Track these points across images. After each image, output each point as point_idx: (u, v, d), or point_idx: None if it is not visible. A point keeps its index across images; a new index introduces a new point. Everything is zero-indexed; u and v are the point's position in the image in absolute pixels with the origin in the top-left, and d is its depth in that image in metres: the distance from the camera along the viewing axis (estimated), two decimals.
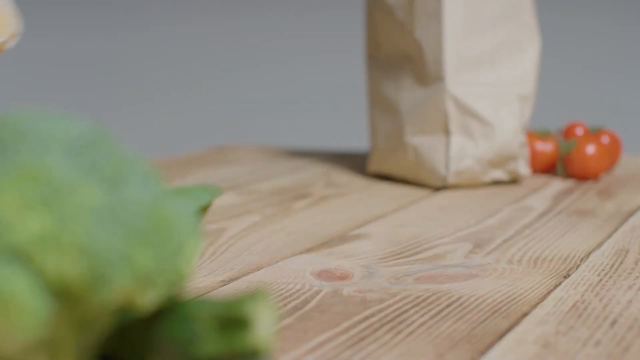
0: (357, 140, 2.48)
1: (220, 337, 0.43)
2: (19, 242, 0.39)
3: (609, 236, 0.88)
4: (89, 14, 2.59)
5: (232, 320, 0.43)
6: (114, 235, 0.41)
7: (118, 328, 0.46)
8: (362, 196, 1.12)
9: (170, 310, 0.45)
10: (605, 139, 1.26)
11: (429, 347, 0.59)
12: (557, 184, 1.17)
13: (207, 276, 0.76)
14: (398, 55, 1.18)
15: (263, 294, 0.43)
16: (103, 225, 0.41)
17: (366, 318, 0.64)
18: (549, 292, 0.70)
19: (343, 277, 0.75)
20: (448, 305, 0.67)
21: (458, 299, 0.69)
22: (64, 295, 0.40)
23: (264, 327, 0.43)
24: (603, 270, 0.76)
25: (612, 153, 1.24)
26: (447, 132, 1.14)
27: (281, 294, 0.70)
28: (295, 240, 0.88)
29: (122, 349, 0.46)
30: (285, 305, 0.68)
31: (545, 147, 1.24)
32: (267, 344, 0.43)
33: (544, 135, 1.24)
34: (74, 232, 0.40)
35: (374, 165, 1.25)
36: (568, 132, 1.31)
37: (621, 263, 0.78)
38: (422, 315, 0.65)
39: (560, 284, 0.73)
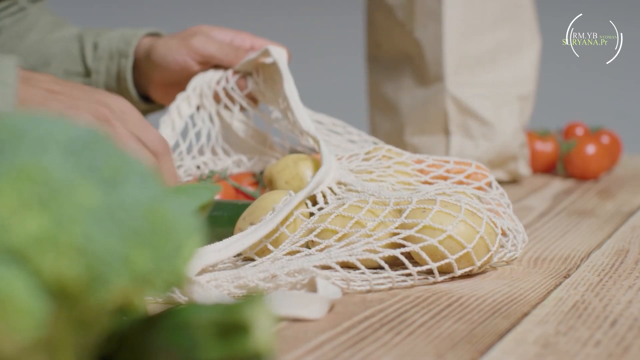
0: None
1: (221, 344, 0.43)
2: (16, 242, 0.39)
3: (609, 236, 0.88)
4: (89, 14, 2.59)
5: (231, 325, 0.43)
6: (112, 235, 0.41)
7: (116, 334, 0.46)
8: None
9: (167, 316, 0.45)
10: (605, 139, 1.26)
11: (429, 347, 0.59)
12: (557, 184, 1.16)
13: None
14: (398, 55, 1.18)
15: (260, 297, 0.43)
16: (101, 226, 0.41)
17: (366, 318, 0.64)
18: (549, 292, 0.70)
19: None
20: (448, 305, 0.67)
21: (458, 299, 0.69)
22: (62, 296, 0.40)
23: (264, 330, 0.43)
24: (603, 270, 0.76)
25: (612, 153, 1.24)
26: (447, 132, 1.14)
27: None
28: None
29: (120, 355, 0.46)
30: None
31: (545, 147, 1.23)
32: (268, 347, 0.43)
33: (544, 135, 1.24)
34: (71, 232, 0.40)
35: None
36: (568, 132, 1.31)
37: (621, 263, 0.78)
38: (422, 315, 0.65)
39: (560, 284, 0.73)
